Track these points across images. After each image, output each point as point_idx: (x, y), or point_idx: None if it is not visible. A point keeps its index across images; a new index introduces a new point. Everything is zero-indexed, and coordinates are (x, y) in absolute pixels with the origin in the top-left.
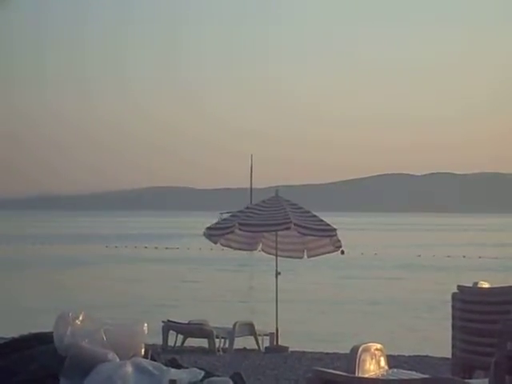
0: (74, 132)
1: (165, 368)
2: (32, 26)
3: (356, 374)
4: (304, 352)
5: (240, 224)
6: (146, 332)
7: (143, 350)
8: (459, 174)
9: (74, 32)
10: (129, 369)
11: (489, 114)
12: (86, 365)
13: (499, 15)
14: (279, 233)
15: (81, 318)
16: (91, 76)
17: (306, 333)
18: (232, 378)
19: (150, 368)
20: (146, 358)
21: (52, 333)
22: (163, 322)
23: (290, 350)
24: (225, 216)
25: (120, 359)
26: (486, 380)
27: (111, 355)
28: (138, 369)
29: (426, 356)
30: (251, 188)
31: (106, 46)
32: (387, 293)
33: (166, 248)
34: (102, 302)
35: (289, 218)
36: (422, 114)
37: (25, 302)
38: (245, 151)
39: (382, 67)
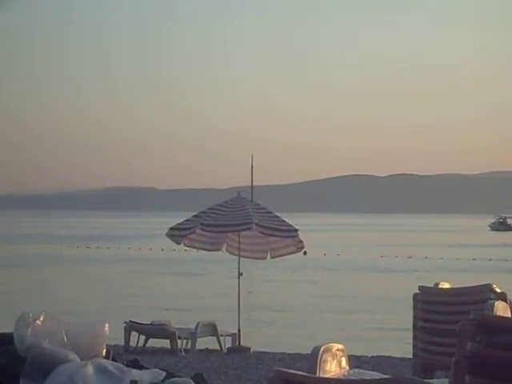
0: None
1: (126, 369)
2: (22, 26)
3: (317, 375)
4: (266, 352)
5: (202, 224)
6: (108, 332)
7: (105, 351)
8: (422, 176)
9: (62, 33)
10: (90, 369)
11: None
12: (46, 365)
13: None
14: (243, 233)
15: (41, 319)
16: (77, 75)
17: (268, 333)
18: (193, 378)
19: (111, 369)
20: (108, 359)
21: (12, 333)
22: (125, 322)
23: (252, 350)
24: None
25: (81, 360)
26: (447, 380)
27: (72, 356)
28: (99, 369)
29: (388, 356)
30: (252, 188)
31: (92, 46)
32: (349, 293)
33: (129, 248)
34: (64, 302)
35: (250, 218)
36: (385, 120)
37: None
38: (211, 151)
39: (353, 72)
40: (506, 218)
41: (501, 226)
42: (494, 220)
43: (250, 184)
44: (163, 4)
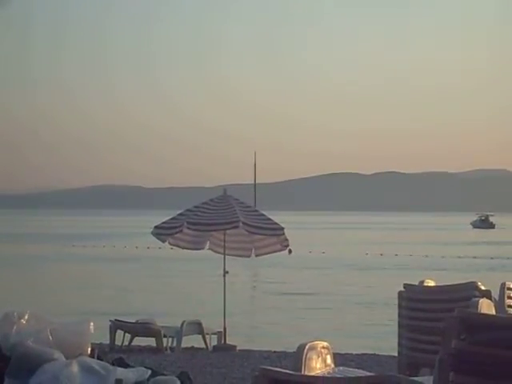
0: (25, 131)
1: (111, 367)
2: (17, 26)
3: (302, 372)
4: (251, 350)
5: (188, 223)
6: (93, 331)
7: (90, 349)
8: (407, 174)
9: (58, 33)
10: (75, 368)
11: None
12: (31, 364)
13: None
14: (227, 231)
15: (26, 317)
16: (72, 75)
17: (253, 331)
18: (179, 376)
19: (97, 367)
20: (93, 357)
21: None
22: (110, 320)
23: (238, 348)
24: None
25: (66, 358)
26: (431, 377)
27: (57, 354)
28: (84, 368)
29: (374, 354)
30: (255, 185)
31: (86, 46)
32: (334, 291)
33: (114, 246)
34: (48, 301)
35: (237, 217)
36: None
37: None
38: (199, 149)
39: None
40: (488, 215)
41: (483, 223)
42: (476, 218)
43: (235, 182)
44: (158, 6)
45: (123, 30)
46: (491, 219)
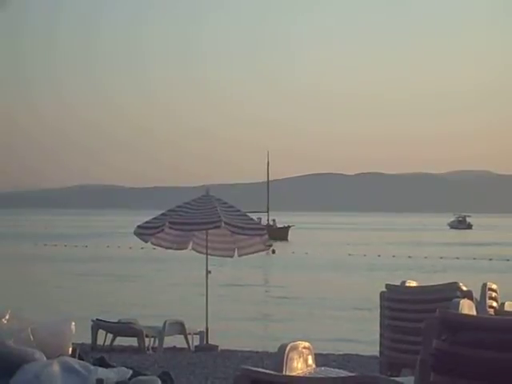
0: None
1: (92, 367)
2: (11, 26)
3: (283, 373)
4: (233, 351)
5: (170, 223)
6: (74, 331)
7: (71, 349)
8: (389, 174)
9: (49, 33)
10: (56, 368)
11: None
12: (12, 364)
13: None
14: (210, 231)
15: (7, 317)
16: (64, 75)
17: (235, 331)
18: (160, 377)
19: (78, 367)
20: (74, 357)
21: None
22: (92, 320)
23: (220, 348)
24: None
25: (47, 358)
26: (412, 378)
27: (38, 354)
28: (65, 368)
29: (356, 354)
30: (268, 184)
31: (78, 47)
32: (317, 291)
33: (97, 247)
34: (30, 301)
35: (219, 217)
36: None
37: None
38: (179, 148)
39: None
40: (465, 216)
41: (460, 224)
42: (453, 218)
43: (218, 182)
44: (154, 7)
45: (116, 30)
46: (468, 220)
